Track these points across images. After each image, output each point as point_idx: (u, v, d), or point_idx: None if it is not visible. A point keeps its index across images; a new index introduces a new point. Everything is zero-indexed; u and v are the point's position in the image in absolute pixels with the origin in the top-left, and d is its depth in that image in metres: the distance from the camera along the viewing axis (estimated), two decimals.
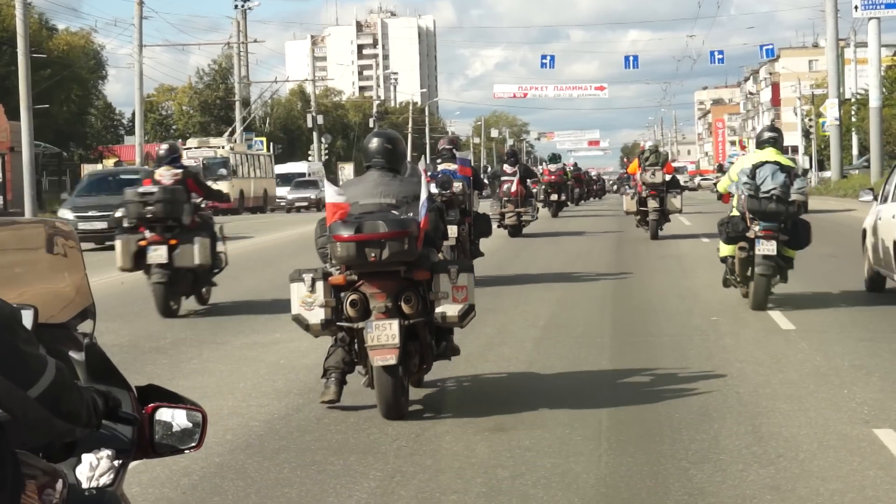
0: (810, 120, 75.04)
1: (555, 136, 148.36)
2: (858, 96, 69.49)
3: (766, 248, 12.34)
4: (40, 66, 51.28)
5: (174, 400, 3.03)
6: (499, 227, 22.64)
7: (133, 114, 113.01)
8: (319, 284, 7.83)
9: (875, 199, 14.73)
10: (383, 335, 7.56)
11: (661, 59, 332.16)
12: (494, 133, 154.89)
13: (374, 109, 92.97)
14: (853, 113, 58.26)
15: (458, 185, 15.55)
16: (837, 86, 37.79)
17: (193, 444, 3.02)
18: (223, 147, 51.76)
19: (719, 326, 11.84)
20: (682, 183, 29.36)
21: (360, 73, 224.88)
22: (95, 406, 2.68)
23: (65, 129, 67.74)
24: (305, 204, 55.71)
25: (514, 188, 24.75)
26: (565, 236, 25.47)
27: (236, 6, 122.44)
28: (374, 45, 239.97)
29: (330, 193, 8.01)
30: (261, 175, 55.26)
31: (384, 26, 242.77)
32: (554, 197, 35.44)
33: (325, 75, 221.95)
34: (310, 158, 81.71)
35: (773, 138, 13.28)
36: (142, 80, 52.13)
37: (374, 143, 8.28)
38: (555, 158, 39.95)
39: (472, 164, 20.45)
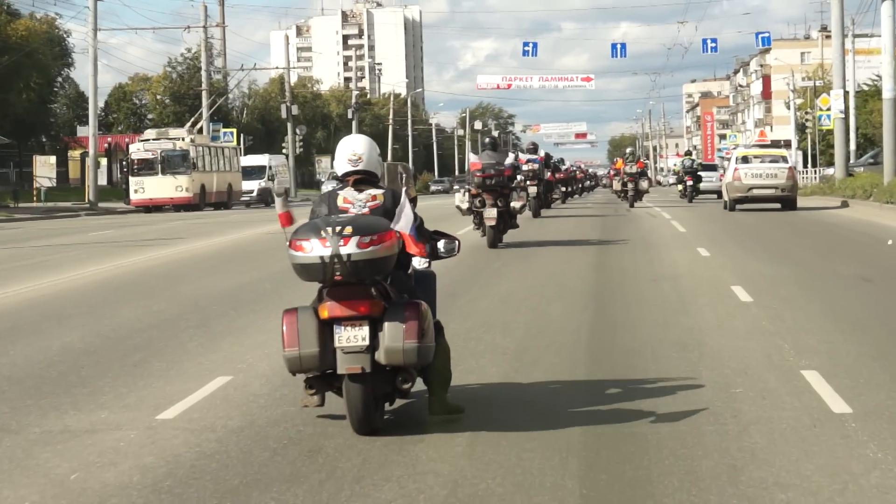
0: (806, 113, 72.10)
1: (541, 129, 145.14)
2: (866, 87, 66.60)
3: None
4: None
5: (444, 236, 7.49)
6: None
7: (106, 103, 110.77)
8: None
9: None
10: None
11: (652, 52, 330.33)
12: (479, 125, 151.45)
13: (353, 100, 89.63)
14: (853, 107, 55.34)
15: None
16: (843, 75, 34.65)
17: (455, 253, 7.54)
18: (183, 139, 48.55)
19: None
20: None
21: (345, 63, 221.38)
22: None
23: (25, 118, 64.47)
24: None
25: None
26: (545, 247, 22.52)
27: None
28: (360, 35, 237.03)
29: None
30: (225, 168, 52.10)
31: (370, 16, 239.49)
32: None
33: (308, 66, 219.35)
34: (283, 150, 78.50)
35: None
36: (96, 66, 49.08)
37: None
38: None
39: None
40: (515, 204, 20.83)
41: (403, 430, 6.85)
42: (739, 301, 12.04)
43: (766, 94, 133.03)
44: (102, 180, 63.10)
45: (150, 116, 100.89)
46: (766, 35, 51.55)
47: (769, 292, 12.75)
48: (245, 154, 65.82)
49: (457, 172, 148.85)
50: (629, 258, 17.11)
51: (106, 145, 73.05)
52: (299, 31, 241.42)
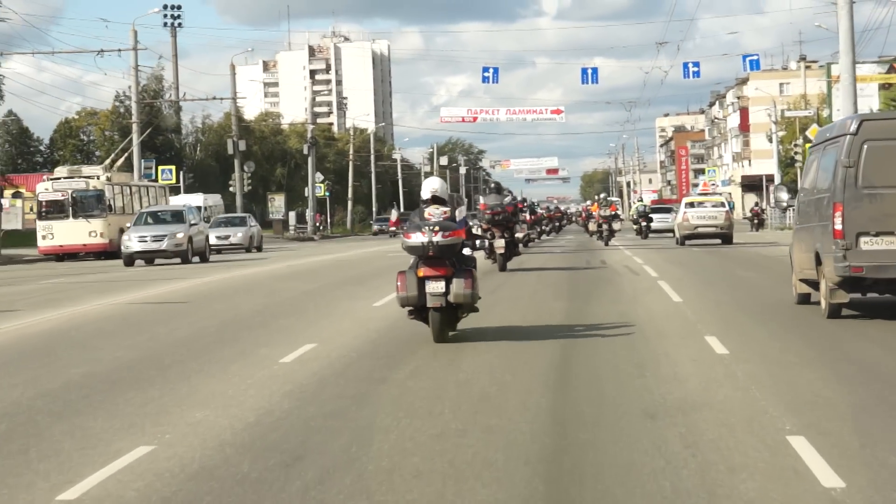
0: (794, 145, 67.28)
1: (510, 164, 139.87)
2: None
3: None
4: None
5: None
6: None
7: (51, 139, 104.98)
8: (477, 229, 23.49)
9: None
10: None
11: (625, 87, 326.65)
12: (444, 161, 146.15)
13: (309, 134, 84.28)
14: None
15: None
16: (854, 96, 29.21)
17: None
18: (98, 177, 42.75)
19: None
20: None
21: (312, 99, 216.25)
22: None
23: None
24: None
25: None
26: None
27: (165, 24, 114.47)
28: (327, 70, 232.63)
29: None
30: None
31: (337, 51, 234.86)
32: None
33: (276, 101, 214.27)
34: (230, 188, 72.90)
35: None
36: None
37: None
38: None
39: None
40: (519, 234, 27.63)
41: (457, 341, 12.70)
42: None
43: (745, 127, 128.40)
44: (17, 224, 57.24)
45: (97, 153, 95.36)
46: (756, 58, 46.36)
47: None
48: (186, 193, 60.16)
49: None
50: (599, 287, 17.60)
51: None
52: (266, 67, 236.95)
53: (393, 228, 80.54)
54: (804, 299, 16.13)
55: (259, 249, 48.76)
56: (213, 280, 26.05)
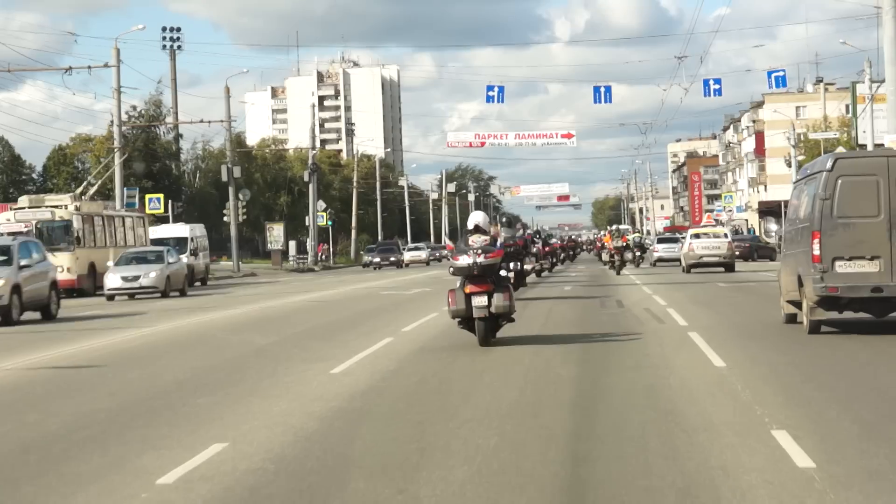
0: None
1: (521, 191, 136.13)
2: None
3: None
4: None
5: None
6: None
7: (44, 166, 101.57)
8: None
9: None
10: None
11: (638, 113, 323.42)
12: (451, 188, 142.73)
13: (310, 160, 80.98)
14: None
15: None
16: None
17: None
18: (65, 206, 39.12)
19: None
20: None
21: (321, 125, 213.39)
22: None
23: None
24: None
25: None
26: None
27: (164, 46, 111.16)
28: (336, 96, 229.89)
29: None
30: (124, 242, 42.69)
31: (346, 77, 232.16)
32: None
33: (285, 128, 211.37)
34: (225, 217, 69.39)
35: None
36: None
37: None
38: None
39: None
40: (527, 266, 30.06)
41: (497, 344, 15.67)
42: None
43: (760, 151, 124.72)
44: None
45: (92, 181, 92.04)
46: (781, 74, 42.59)
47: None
48: (175, 223, 56.67)
49: (433, 239, 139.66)
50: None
51: None
52: (274, 93, 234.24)
53: (377, 260, 76.29)
54: (791, 319, 17.97)
55: (182, 294, 37.84)
56: (156, 331, 21.77)
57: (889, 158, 16.27)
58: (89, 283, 38.49)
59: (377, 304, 28.09)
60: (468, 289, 15.13)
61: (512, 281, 28.25)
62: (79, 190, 44.95)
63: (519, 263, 26.12)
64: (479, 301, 15.12)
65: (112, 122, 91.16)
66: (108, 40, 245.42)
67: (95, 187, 47.28)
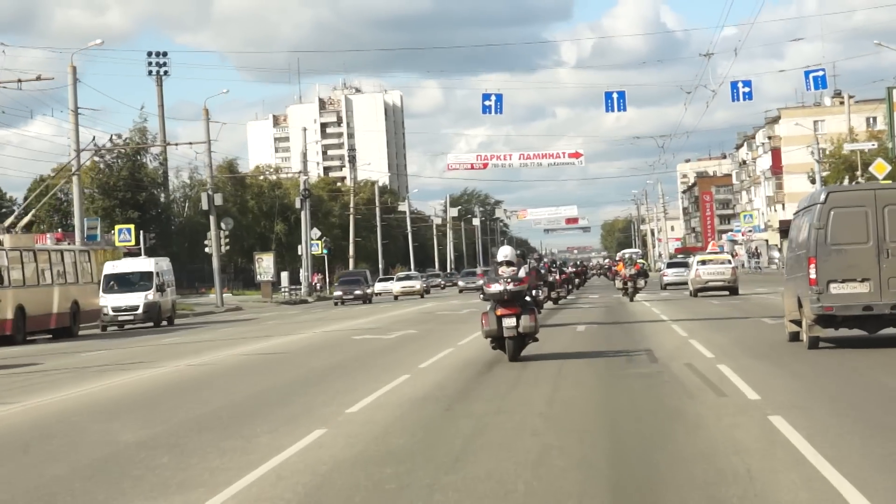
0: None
1: (528, 214, 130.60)
2: None
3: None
4: None
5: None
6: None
7: (25, 198, 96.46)
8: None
9: None
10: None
11: (647, 134, 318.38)
12: (454, 213, 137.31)
13: (302, 186, 75.82)
14: None
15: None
16: None
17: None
18: None
19: None
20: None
21: (324, 152, 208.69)
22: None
23: None
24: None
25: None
26: None
27: (150, 72, 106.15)
28: (339, 123, 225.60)
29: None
30: (66, 280, 37.11)
31: (348, 103, 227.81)
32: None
33: (287, 156, 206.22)
34: (206, 248, 63.98)
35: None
36: None
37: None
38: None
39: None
40: (541, 295, 32.12)
41: (526, 359, 18.32)
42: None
43: (777, 169, 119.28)
44: None
45: (22, 212, 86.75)
46: (821, 73, 36.88)
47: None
48: (147, 256, 51.28)
49: (437, 266, 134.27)
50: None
51: None
52: (276, 122, 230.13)
53: (339, 293, 64.78)
54: (794, 337, 19.82)
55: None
56: (79, 393, 17.29)
57: (876, 191, 18.30)
58: (17, 329, 32.82)
59: (335, 360, 21.50)
60: (499, 311, 18.08)
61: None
62: (7, 221, 39.37)
63: (530, 296, 27.21)
64: (509, 322, 18.05)
65: (96, 151, 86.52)
66: (105, 76, 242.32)
67: (28, 217, 41.94)
